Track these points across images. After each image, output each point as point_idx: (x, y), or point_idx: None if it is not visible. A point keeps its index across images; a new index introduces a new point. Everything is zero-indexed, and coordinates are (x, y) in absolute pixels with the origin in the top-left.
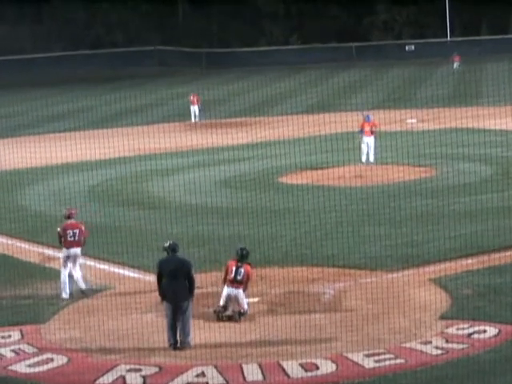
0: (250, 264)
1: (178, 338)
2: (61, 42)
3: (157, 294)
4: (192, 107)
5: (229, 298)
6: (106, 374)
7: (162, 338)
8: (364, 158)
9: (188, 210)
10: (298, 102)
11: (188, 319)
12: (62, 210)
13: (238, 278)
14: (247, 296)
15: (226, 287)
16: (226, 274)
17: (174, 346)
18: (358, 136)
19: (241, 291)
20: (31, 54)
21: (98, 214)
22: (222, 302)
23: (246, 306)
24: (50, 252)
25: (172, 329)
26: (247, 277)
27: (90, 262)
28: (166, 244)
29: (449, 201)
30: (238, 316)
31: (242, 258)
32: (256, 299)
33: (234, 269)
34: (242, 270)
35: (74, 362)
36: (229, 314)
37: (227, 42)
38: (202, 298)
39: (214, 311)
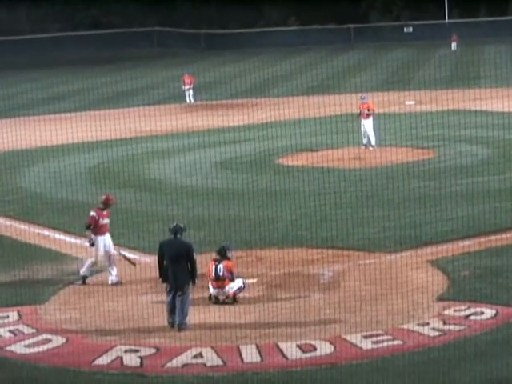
0: (229, 259)
1: (177, 318)
2: (58, 23)
3: (155, 274)
4: (186, 88)
5: (216, 295)
6: (103, 354)
7: (159, 319)
8: (365, 141)
9: (186, 191)
10: (297, 84)
11: (187, 300)
12: (61, 192)
13: (219, 273)
14: (245, 277)
15: (211, 287)
16: (209, 275)
17: (173, 325)
18: (358, 119)
19: (226, 289)
20: (29, 35)
21: (96, 195)
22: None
23: (239, 286)
24: (48, 233)
25: (172, 309)
26: (228, 270)
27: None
28: (171, 226)
29: (448, 183)
30: (233, 300)
31: (220, 255)
32: (254, 280)
33: (213, 268)
34: (221, 266)
35: (72, 342)
36: (222, 299)
37: (226, 24)
38: (202, 280)
39: (209, 298)
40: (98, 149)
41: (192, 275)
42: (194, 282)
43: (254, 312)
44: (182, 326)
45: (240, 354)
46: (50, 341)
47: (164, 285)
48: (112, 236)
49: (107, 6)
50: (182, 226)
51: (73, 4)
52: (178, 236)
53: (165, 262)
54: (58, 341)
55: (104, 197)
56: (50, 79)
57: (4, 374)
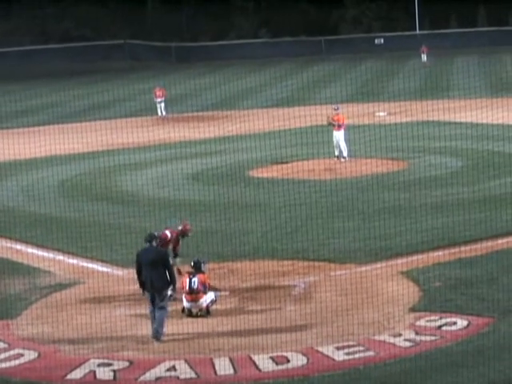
0: (203, 272)
1: (153, 327)
2: (30, 35)
3: (129, 288)
4: (157, 101)
5: (190, 308)
6: (76, 368)
7: (132, 332)
8: (337, 152)
9: (158, 204)
10: (268, 96)
11: (165, 312)
12: (33, 205)
13: (194, 286)
14: (218, 290)
15: (185, 301)
16: (183, 288)
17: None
18: (332, 128)
19: (200, 302)
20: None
21: (68, 208)
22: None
23: (211, 299)
24: (20, 247)
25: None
26: (202, 284)
27: (60, 257)
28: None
29: (419, 194)
30: (206, 313)
31: (195, 268)
32: (226, 293)
33: (187, 280)
34: (196, 280)
35: (45, 357)
36: (195, 312)
37: (196, 36)
38: (175, 293)
39: (182, 310)
40: (70, 162)
41: (171, 280)
42: (174, 288)
43: (227, 324)
44: (157, 336)
45: (213, 367)
46: (22, 355)
47: (142, 296)
48: (85, 248)
49: (79, 18)
50: (155, 233)
51: (44, 17)
52: (153, 243)
53: (142, 270)
54: (30, 355)
55: (182, 227)
56: (21, 92)
57: None
